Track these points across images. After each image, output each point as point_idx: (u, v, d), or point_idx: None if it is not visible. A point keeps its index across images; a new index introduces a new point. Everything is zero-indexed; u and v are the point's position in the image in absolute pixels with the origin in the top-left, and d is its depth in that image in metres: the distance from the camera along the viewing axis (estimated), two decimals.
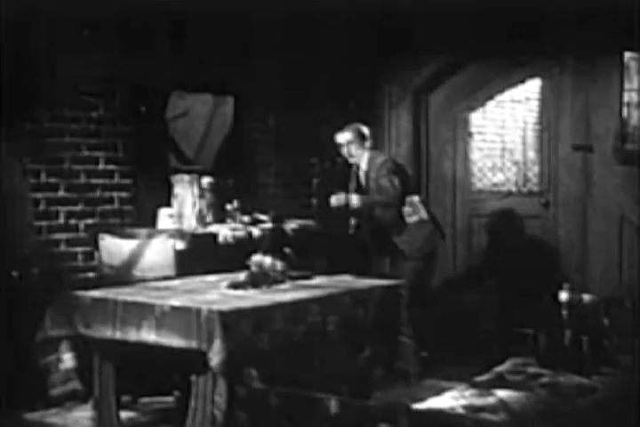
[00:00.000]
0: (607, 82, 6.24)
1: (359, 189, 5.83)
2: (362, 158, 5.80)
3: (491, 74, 6.89)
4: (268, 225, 5.63)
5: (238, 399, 3.60)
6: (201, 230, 5.34)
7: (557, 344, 3.60)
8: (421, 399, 3.16)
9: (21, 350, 4.61)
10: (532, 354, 3.73)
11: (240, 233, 5.35)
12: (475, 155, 7.12)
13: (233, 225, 5.50)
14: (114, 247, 5.18)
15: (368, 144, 5.83)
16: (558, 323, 3.65)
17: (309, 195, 6.85)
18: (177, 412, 4.23)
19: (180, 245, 5.06)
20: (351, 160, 5.85)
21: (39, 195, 5.13)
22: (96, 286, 4.32)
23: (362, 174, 5.83)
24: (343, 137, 5.81)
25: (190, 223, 5.42)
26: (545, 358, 3.62)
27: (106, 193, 5.46)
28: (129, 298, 3.93)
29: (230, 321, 3.62)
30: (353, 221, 5.98)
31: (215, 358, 3.56)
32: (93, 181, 5.40)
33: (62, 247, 5.24)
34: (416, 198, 5.77)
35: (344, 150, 5.83)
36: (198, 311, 3.65)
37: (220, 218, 5.59)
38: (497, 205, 6.91)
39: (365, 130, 5.84)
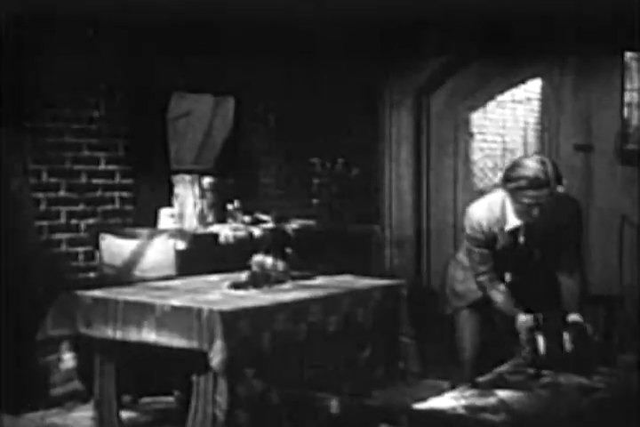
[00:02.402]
0: (608, 82, 6.22)
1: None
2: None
3: (491, 74, 6.87)
4: (269, 225, 5.63)
5: (239, 399, 3.60)
6: (202, 230, 5.35)
7: (557, 344, 3.60)
8: (422, 399, 3.16)
9: (22, 350, 4.61)
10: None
11: (241, 233, 5.35)
12: (476, 155, 7.11)
13: (234, 225, 5.50)
14: (115, 247, 5.19)
15: None
16: (558, 322, 3.65)
17: (310, 195, 6.84)
18: (178, 412, 4.23)
19: (181, 245, 5.06)
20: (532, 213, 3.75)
21: (40, 195, 5.13)
22: (97, 286, 4.32)
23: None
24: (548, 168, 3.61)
25: (191, 223, 5.42)
26: (545, 358, 3.62)
27: (107, 193, 5.46)
28: (130, 298, 3.94)
29: (231, 321, 3.63)
30: None
31: (216, 357, 3.56)
32: (94, 180, 5.40)
33: (63, 247, 5.24)
34: None
35: (542, 197, 3.61)
36: (199, 311, 3.65)
37: (221, 218, 5.59)
38: None
39: None
